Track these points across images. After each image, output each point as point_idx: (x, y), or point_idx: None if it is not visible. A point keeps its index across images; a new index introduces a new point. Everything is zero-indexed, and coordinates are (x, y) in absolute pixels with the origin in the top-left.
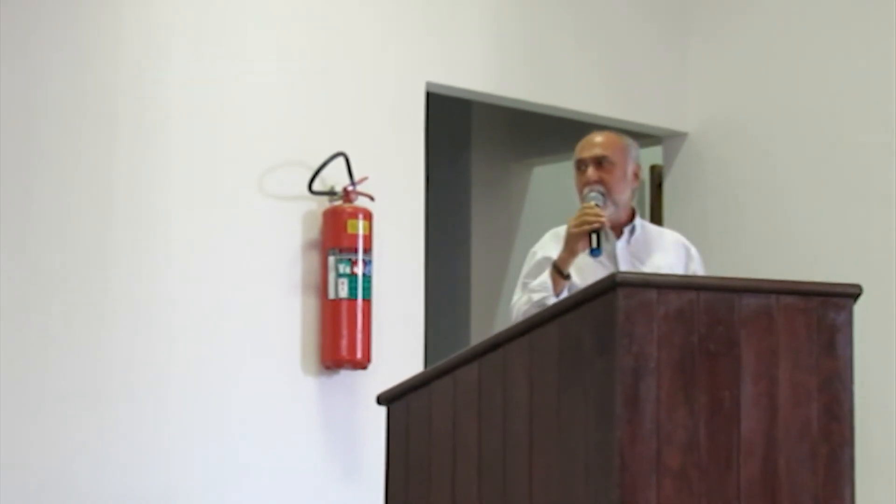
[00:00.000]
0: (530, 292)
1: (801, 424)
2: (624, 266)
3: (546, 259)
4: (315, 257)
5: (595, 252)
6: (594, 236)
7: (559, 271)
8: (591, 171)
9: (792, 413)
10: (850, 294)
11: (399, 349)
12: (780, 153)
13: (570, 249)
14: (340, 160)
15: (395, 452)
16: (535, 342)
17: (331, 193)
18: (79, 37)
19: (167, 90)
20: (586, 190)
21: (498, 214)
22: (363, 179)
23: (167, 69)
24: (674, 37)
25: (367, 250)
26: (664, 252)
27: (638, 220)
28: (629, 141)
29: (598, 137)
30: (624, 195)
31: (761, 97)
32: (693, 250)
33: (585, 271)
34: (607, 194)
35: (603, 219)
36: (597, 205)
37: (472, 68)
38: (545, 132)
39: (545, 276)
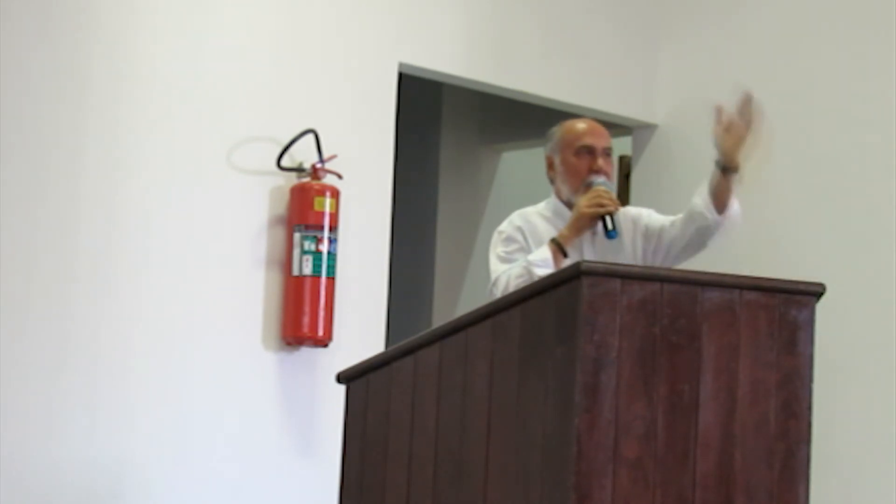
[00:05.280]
0: (531, 266)
1: (759, 420)
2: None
3: (517, 231)
4: (280, 233)
5: (611, 234)
6: (609, 219)
7: (561, 249)
8: (602, 161)
9: (750, 408)
10: (813, 292)
11: (361, 328)
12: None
13: (576, 228)
14: (310, 137)
15: (353, 431)
16: (498, 327)
17: (299, 170)
18: (54, 8)
19: (139, 63)
20: (593, 177)
21: (465, 198)
22: (332, 157)
23: (140, 42)
24: (645, 28)
25: (333, 228)
26: (619, 238)
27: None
28: None
29: (601, 127)
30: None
31: (731, 89)
32: (642, 213)
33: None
34: (609, 185)
35: (618, 205)
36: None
37: (444, 51)
38: (516, 118)
39: (546, 252)
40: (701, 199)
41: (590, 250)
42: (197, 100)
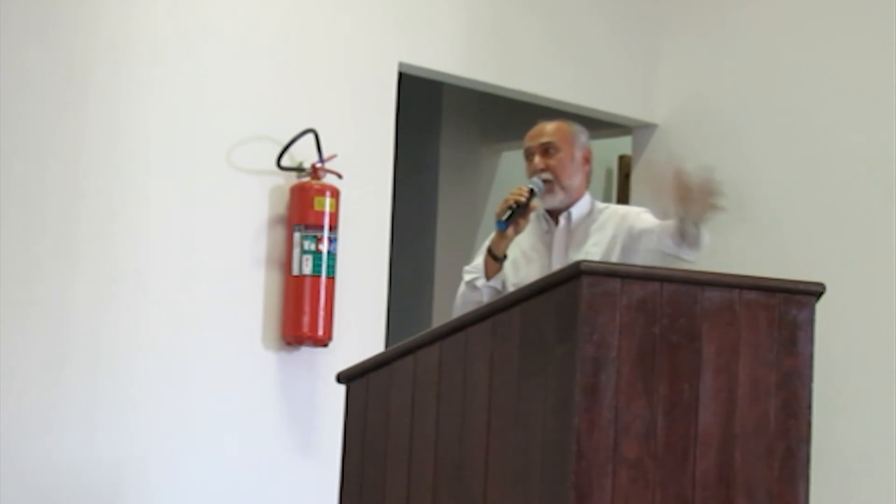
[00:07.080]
0: (466, 275)
1: (759, 420)
2: (555, 256)
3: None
4: (280, 233)
5: (499, 224)
6: (508, 213)
7: (491, 254)
8: (537, 160)
9: (750, 408)
10: (813, 292)
11: (361, 328)
12: (749, 145)
13: (497, 232)
14: (310, 137)
15: (353, 431)
16: (498, 326)
17: (299, 170)
18: (54, 8)
19: (139, 62)
20: (534, 179)
21: (465, 197)
22: (332, 157)
23: (140, 42)
24: (645, 27)
25: (333, 228)
26: (601, 231)
27: (582, 204)
28: (577, 127)
29: (545, 126)
30: (573, 180)
31: (732, 89)
32: (632, 211)
33: (519, 262)
34: (556, 180)
35: (522, 198)
36: (532, 190)
37: (444, 51)
38: (515, 118)
39: (480, 260)
40: (672, 242)
41: (510, 264)
42: (197, 100)
